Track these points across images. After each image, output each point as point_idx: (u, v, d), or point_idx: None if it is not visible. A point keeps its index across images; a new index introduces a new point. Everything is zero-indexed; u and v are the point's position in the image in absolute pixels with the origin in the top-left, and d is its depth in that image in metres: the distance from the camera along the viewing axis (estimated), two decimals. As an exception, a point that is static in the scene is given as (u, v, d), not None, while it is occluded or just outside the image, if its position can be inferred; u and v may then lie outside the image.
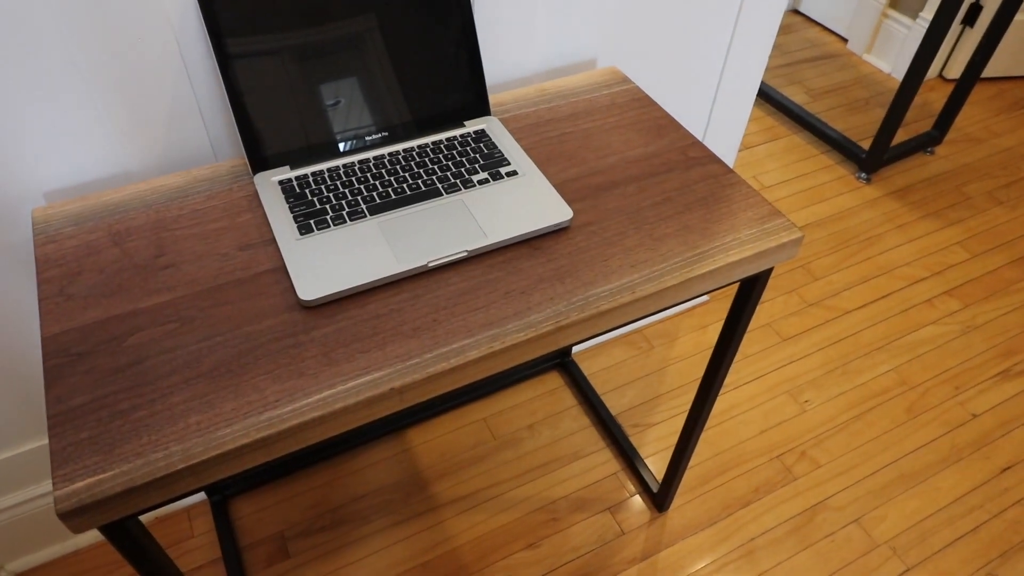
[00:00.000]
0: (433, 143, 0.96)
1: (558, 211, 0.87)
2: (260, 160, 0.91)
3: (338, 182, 0.90)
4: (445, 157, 0.94)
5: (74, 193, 0.94)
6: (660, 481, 1.51)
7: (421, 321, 0.77)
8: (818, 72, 2.75)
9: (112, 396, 0.68)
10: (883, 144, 2.13)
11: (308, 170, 0.91)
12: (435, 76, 0.97)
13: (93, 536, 1.41)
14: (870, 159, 2.20)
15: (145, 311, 0.77)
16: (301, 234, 0.84)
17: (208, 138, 0.98)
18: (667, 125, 1.04)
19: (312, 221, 0.85)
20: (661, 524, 1.46)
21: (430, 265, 0.81)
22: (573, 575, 1.39)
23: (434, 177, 0.91)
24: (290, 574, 1.38)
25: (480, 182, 0.91)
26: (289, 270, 0.79)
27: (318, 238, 0.83)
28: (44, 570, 1.38)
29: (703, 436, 1.61)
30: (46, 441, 1.22)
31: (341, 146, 0.93)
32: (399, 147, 0.95)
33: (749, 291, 0.97)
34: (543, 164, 0.97)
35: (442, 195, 0.89)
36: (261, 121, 0.89)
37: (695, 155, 0.99)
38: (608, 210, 0.91)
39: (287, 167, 0.92)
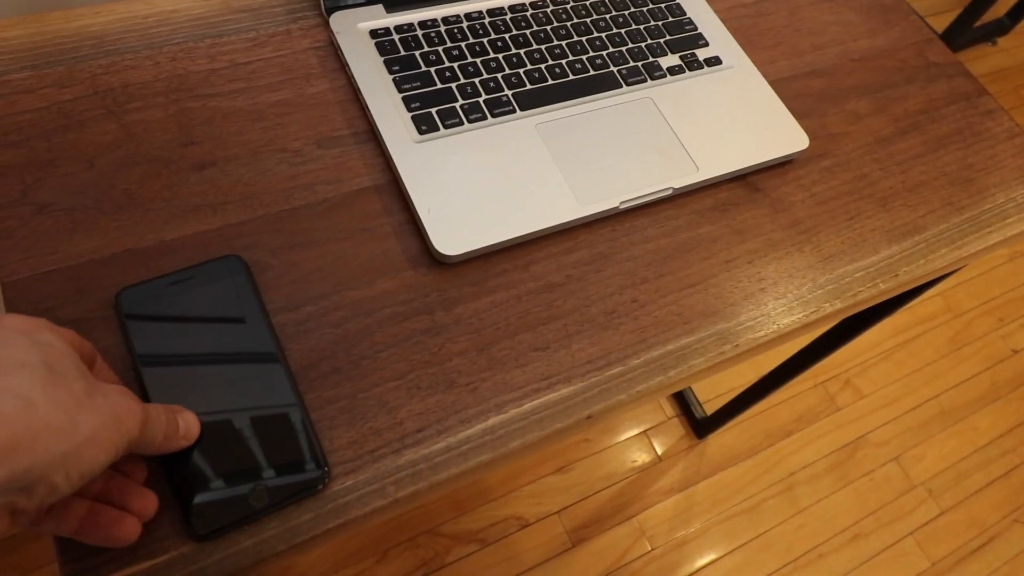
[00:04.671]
0: (594, -6, 0.64)
1: (789, 134, 0.60)
2: (339, -10, 0.57)
3: (462, 44, 0.58)
4: (615, 20, 0.63)
5: (19, 8, 0.58)
6: (704, 408, 1.35)
7: (615, 300, 0.51)
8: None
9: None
10: (965, 25, 1.86)
11: (415, 16, 0.58)
12: None
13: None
14: (946, 39, 1.93)
15: (174, 247, 0.46)
16: (421, 133, 0.53)
17: (238, -66, 0.61)
18: (894, 7, 0.75)
19: (435, 112, 0.54)
20: (700, 452, 1.33)
21: (621, 207, 0.53)
22: (606, 505, 1.25)
23: (604, 54, 0.60)
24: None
25: (672, 70, 0.61)
26: (412, 198, 0.50)
27: (448, 143, 0.53)
28: None
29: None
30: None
31: (461, -18, 0.60)
32: (544, -6, 0.62)
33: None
34: (744, 48, 0.67)
35: (621, 86, 0.59)
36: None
37: (937, 60, 0.71)
38: (841, 135, 0.63)
39: (380, 6, 0.58)
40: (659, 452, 1.32)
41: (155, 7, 0.57)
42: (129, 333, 0.41)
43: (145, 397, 0.40)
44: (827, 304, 0.54)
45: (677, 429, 1.34)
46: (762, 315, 0.52)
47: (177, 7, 0.57)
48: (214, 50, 0.55)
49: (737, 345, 0.51)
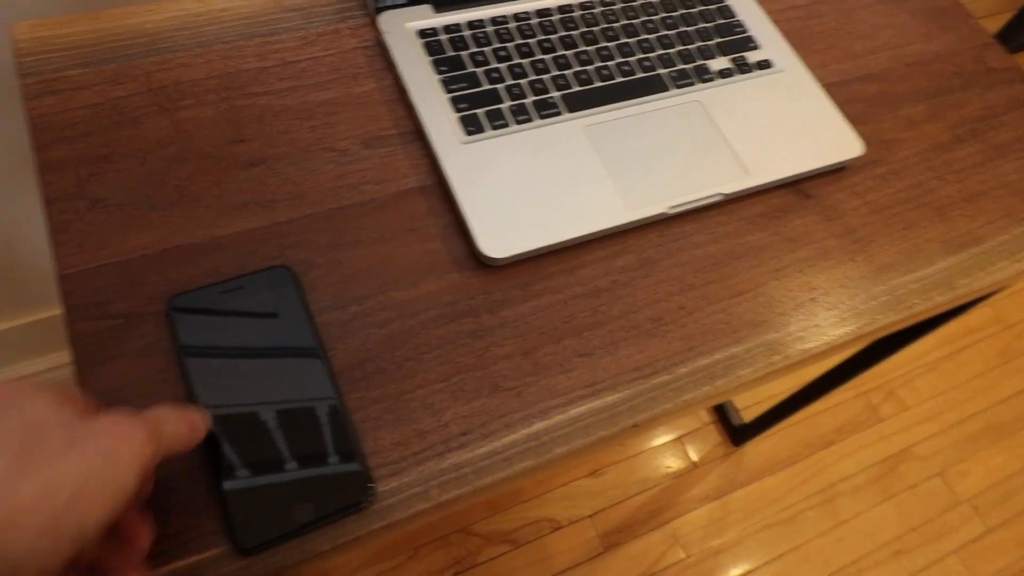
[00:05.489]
0: (643, -5, 0.63)
1: (842, 140, 0.58)
2: (389, -10, 0.57)
3: (509, 45, 0.57)
4: (664, 22, 0.62)
5: (75, 5, 0.59)
6: (741, 415, 1.33)
7: (662, 307, 0.50)
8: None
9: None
10: (1020, 27, 1.80)
11: (463, 16, 0.58)
12: None
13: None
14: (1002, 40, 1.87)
15: (223, 244, 0.47)
16: (468, 134, 0.52)
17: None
18: (951, 11, 0.72)
19: (482, 113, 0.53)
20: (736, 460, 1.31)
21: (670, 212, 0.52)
22: (639, 511, 1.24)
23: (653, 56, 0.59)
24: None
25: (722, 73, 0.60)
26: (458, 199, 0.50)
27: (495, 144, 0.52)
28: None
29: (785, 361, 1.42)
30: (10, 324, 0.93)
31: (510, -18, 0.60)
32: (593, -6, 0.62)
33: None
34: (795, 50, 0.65)
35: (670, 89, 0.58)
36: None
37: (995, 65, 0.69)
38: (896, 141, 0.62)
39: (428, 6, 0.58)
40: (694, 459, 1.30)
41: (207, 5, 0.57)
42: (180, 338, 0.42)
43: (193, 399, 0.40)
44: (881, 316, 0.52)
45: (713, 436, 1.32)
46: (813, 326, 0.51)
47: (228, 5, 0.57)
48: (264, 48, 0.56)
49: (787, 356, 0.49)
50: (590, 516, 1.23)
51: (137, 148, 0.49)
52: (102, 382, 0.41)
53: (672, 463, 1.30)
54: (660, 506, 1.25)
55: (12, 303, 0.90)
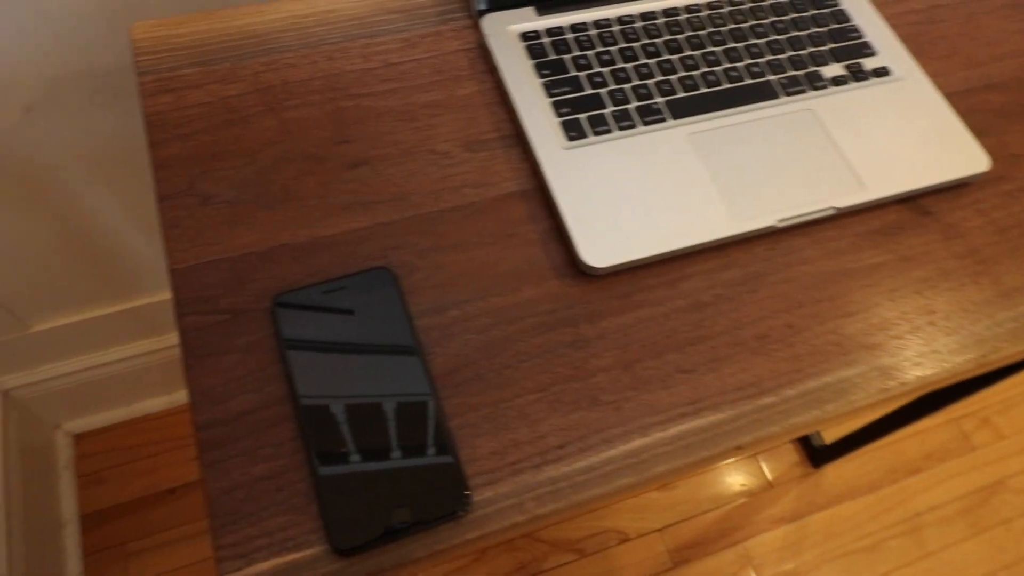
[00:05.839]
0: (752, -2, 0.60)
1: (965, 154, 0.55)
2: (493, -8, 0.56)
3: (613, 49, 0.56)
4: (774, 26, 0.59)
5: (187, 4, 0.61)
6: (822, 435, 1.28)
7: (768, 324, 0.47)
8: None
9: (259, 409, 0.41)
10: None
11: (566, 19, 0.57)
12: None
13: (168, 401, 1.20)
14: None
15: (327, 244, 0.47)
16: (570, 139, 0.51)
17: (395, -64, 0.62)
18: (1088, 15, 0.67)
19: (585, 119, 0.52)
20: (816, 482, 1.26)
21: (779, 225, 0.50)
22: (710, 529, 1.20)
23: (763, 62, 0.57)
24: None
25: (835, 81, 0.57)
26: (559, 206, 0.49)
27: (598, 150, 0.51)
28: (106, 433, 1.19)
29: (870, 381, 1.36)
30: (111, 310, 0.97)
31: (615, -16, 0.58)
32: (699, -2, 0.60)
33: None
34: (914, 57, 0.62)
35: (781, 96, 0.56)
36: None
37: None
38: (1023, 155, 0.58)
39: (531, 8, 0.57)
40: (769, 477, 1.26)
41: (314, 7, 0.58)
42: (283, 333, 0.42)
43: (294, 391, 0.40)
44: (1006, 344, 0.49)
45: (791, 455, 1.28)
46: (931, 351, 0.48)
47: (334, 7, 0.58)
48: (368, 50, 0.56)
49: (903, 383, 0.46)
50: (659, 530, 1.20)
51: (246, 147, 0.50)
52: (209, 376, 0.42)
53: (746, 481, 1.26)
54: (733, 524, 1.21)
55: (116, 289, 0.94)
